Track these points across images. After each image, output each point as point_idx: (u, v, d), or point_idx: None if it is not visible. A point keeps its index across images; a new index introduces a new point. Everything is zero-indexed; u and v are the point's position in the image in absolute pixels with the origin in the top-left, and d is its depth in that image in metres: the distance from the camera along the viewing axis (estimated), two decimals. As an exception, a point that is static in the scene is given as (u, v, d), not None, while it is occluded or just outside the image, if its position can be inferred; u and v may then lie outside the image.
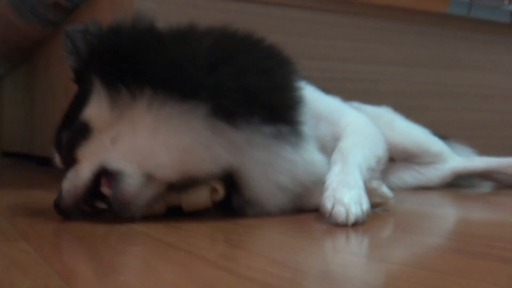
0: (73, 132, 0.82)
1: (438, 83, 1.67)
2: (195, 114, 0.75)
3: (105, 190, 0.78)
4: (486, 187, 1.34)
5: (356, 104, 1.22)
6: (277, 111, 0.81)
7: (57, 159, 0.86)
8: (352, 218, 0.72)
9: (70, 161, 0.82)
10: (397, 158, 1.27)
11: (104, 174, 0.78)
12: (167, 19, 1.24)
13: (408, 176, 1.28)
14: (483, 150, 1.39)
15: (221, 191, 0.81)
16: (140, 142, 0.77)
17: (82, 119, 0.81)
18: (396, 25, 1.59)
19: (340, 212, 0.73)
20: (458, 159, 1.33)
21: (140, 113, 0.77)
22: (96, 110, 0.80)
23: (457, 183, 1.33)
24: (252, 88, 0.78)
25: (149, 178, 0.77)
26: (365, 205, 0.76)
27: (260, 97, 0.79)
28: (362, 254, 0.62)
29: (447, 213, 0.98)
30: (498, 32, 1.78)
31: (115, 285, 0.48)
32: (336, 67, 1.43)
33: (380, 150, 0.91)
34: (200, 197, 0.81)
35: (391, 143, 1.13)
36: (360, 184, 0.78)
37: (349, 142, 0.87)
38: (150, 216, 0.81)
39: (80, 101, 0.84)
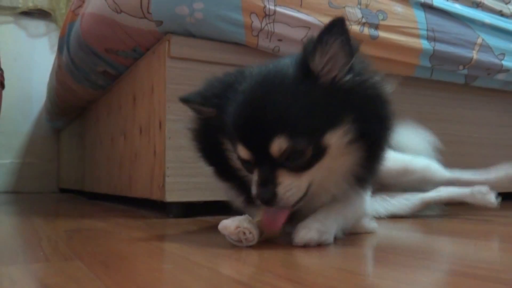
0: (313, 149, 0.72)
1: (408, 131, 1.68)
2: None
3: None
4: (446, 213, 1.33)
5: None
6: None
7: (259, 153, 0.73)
8: (306, 239, 0.73)
9: (295, 168, 0.72)
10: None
11: None
12: (191, 82, 1.26)
13: (380, 206, 1.26)
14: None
15: None
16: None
17: (324, 141, 0.72)
18: (373, 86, 1.60)
19: (300, 234, 0.74)
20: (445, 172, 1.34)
21: None
22: (339, 141, 0.73)
23: (426, 213, 1.32)
24: None
25: None
26: (328, 239, 0.75)
27: None
28: (350, 270, 0.62)
29: (416, 237, 0.97)
30: (455, 91, 1.79)
31: (152, 295, 0.48)
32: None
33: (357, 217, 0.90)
34: None
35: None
36: (331, 231, 0.77)
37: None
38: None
39: (326, 123, 0.73)
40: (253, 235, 0.75)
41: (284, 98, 0.71)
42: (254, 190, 0.73)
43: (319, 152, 0.72)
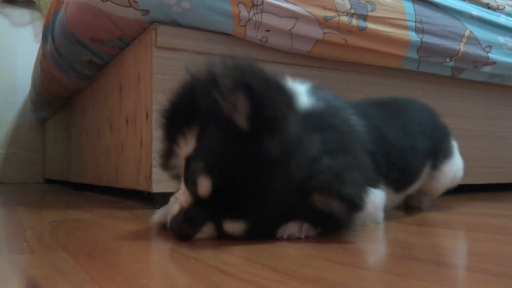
0: None
1: (395, 123, 1.68)
2: None
3: None
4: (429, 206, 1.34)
5: None
6: None
7: None
8: (286, 234, 0.73)
9: None
10: None
11: None
12: (178, 72, 1.26)
13: None
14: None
15: None
16: None
17: None
18: (361, 77, 1.61)
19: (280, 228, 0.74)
20: None
21: None
22: None
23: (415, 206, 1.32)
24: None
25: None
26: (309, 231, 0.75)
27: None
28: (337, 261, 0.62)
29: (401, 227, 0.98)
30: (441, 83, 1.80)
31: (138, 287, 0.48)
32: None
33: None
34: None
35: None
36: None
37: None
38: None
39: None
40: None
41: None
42: None
43: None
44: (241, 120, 0.68)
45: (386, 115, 1.08)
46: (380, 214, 0.93)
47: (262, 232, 0.73)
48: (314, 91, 0.84)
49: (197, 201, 0.70)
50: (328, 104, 0.82)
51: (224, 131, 0.70)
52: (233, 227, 0.70)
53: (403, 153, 1.02)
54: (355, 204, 0.70)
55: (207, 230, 0.72)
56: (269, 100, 0.68)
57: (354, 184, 0.71)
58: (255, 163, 0.68)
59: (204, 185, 0.68)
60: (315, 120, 0.75)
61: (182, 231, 0.72)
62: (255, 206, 0.69)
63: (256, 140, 0.68)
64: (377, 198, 0.89)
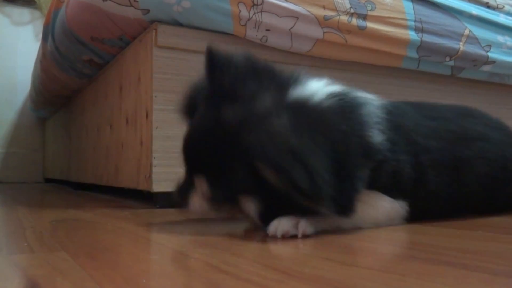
0: None
1: (394, 122, 1.68)
2: None
3: None
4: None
5: None
6: None
7: None
8: (279, 232, 0.72)
9: None
10: None
11: None
12: (178, 71, 1.26)
13: None
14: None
15: None
16: None
17: None
18: (361, 77, 1.61)
19: (272, 225, 0.73)
20: None
21: None
22: None
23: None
24: None
25: None
26: (307, 229, 0.73)
27: None
28: (337, 260, 0.62)
29: (403, 226, 0.98)
30: (441, 82, 1.80)
31: (138, 286, 0.48)
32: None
33: None
34: None
35: None
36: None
37: None
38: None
39: None
40: None
41: None
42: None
43: None
44: (207, 83, 0.78)
45: (439, 128, 0.97)
46: (393, 223, 0.89)
47: (229, 194, 0.75)
48: (343, 93, 0.84)
49: (186, 172, 0.81)
50: (339, 105, 0.78)
51: (204, 102, 0.79)
52: (199, 183, 0.77)
53: (438, 185, 0.92)
54: (299, 187, 0.66)
55: (196, 198, 0.79)
56: (225, 66, 0.77)
57: (307, 167, 0.66)
58: (212, 125, 0.75)
59: (181, 147, 0.80)
60: (305, 111, 0.73)
61: (176, 199, 0.83)
62: (209, 163, 0.75)
63: (216, 105, 0.75)
64: (393, 208, 0.86)
